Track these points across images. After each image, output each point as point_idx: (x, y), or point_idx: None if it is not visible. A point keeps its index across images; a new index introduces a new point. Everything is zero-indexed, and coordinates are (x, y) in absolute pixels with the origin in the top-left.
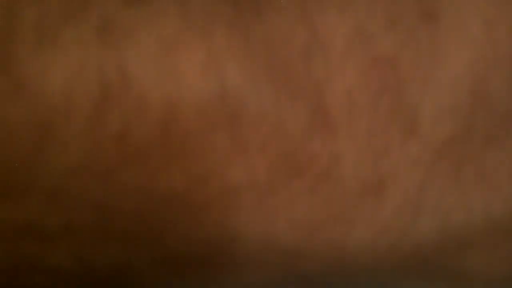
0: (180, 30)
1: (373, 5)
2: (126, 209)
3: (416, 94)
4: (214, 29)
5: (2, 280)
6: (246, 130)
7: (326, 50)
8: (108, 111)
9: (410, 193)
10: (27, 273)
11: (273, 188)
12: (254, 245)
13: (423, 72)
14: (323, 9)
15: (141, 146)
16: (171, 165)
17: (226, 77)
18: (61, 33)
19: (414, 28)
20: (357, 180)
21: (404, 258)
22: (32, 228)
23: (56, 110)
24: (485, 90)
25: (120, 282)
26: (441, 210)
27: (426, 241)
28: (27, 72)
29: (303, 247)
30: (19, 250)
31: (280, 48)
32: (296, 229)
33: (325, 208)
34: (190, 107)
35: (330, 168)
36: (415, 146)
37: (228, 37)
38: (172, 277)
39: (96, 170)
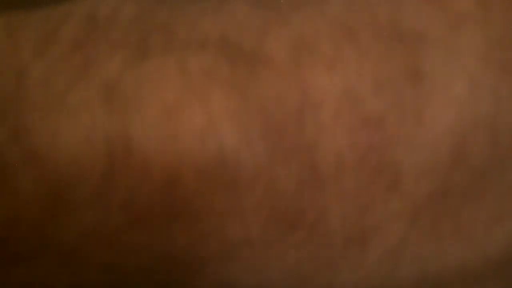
0: (180, 93)
1: (362, 65)
2: (132, 267)
3: (399, 152)
4: (211, 90)
5: None
6: (242, 191)
7: (317, 110)
8: (114, 178)
9: (391, 244)
10: None
11: (267, 243)
12: None
13: (407, 132)
14: (315, 68)
15: (145, 208)
16: (173, 225)
17: (224, 140)
18: (68, 96)
19: (400, 89)
20: (343, 233)
21: None
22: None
23: (65, 178)
24: (464, 148)
25: None
26: (419, 259)
27: (405, 287)
28: (37, 140)
29: None
30: None
31: (274, 107)
32: (287, 278)
33: (314, 258)
34: (190, 171)
35: (318, 222)
36: (397, 202)
37: (225, 97)
38: None
39: (104, 233)
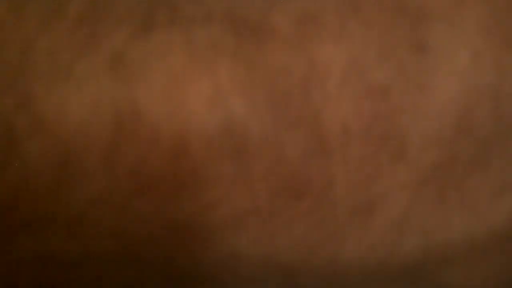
0: (187, 64)
1: (367, 36)
2: (141, 235)
3: (405, 122)
4: (218, 61)
5: None
6: (249, 159)
7: (323, 80)
8: (122, 144)
9: (396, 214)
10: None
11: (274, 212)
12: (257, 263)
13: (412, 102)
14: (321, 40)
15: (153, 176)
16: (181, 193)
17: (231, 109)
18: (74, 66)
19: (405, 60)
20: (348, 202)
21: (390, 273)
22: (53, 256)
23: (73, 145)
24: (469, 119)
25: None
26: (425, 230)
27: (411, 259)
28: (44, 108)
29: (300, 263)
30: (42, 276)
31: (280, 78)
32: (294, 247)
33: (320, 228)
34: (198, 139)
35: (325, 191)
36: (403, 171)
37: (232, 68)
38: None
39: (113, 200)
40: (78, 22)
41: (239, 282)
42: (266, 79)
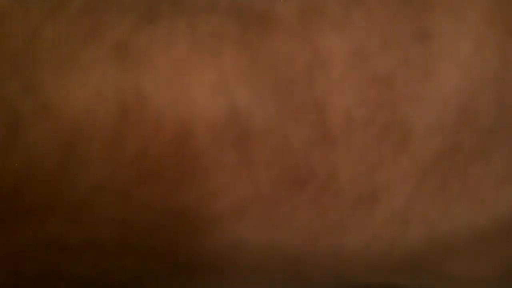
0: (191, 52)
1: (370, 25)
2: (143, 222)
3: (408, 111)
4: (222, 49)
5: (29, 287)
6: (252, 147)
7: (326, 69)
8: (127, 131)
9: (400, 204)
10: (52, 281)
11: (277, 201)
12: (259, 252)
13: (415, 90)
14: (324, 29)
15: (156, 163)
16: (184, 181)
17: (234, 96)
18: (79, 55)
19: (408, 48)
20: (352, 192)
21: (393, 263)
22: (57, 242)
23: (78, 131)
24: (472, 107)
25: None
26: (428, 220)
27: (414, 248)
28: (49, 94)
29: (303, 253)
30: (45, 262)
31: (284, 67)
32: (297, 237)
33: (323, 218)
34: (202, 126)
35: (328, 180)
36: (406, 160)
37: (236, 56)
38: (184, 282)
39: (116, 188)
40: (82, 12)
41: (241, 270)
42: (270, 68)
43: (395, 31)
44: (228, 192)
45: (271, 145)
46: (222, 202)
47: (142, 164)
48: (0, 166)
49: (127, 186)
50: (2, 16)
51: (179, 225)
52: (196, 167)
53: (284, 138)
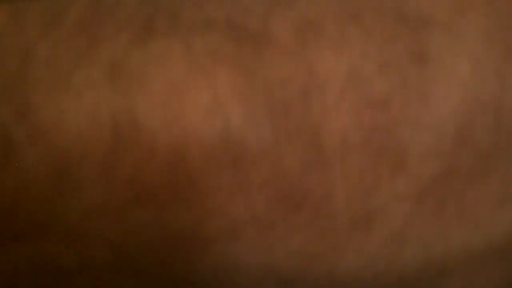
0: (186, 72)
1: (367, 45)
2: (138, 244)
3: (404, 133)
4: (217, 69)
5: None
6: (247, 170)
7: (322, 90)
8: (120, 154)
9: (396, 226)
10: None
11: (272, 223)
12: (254, 273)
13: (412, 113)
14: (320, 49)
15: (151, 186)
16: (179, 203)
17: (229, 119)
18: (73, 75)
19: (405, 69)
20: (348, 214)
21: (389, 284)
22: (51, 264)
23: (71, 155)
24: (469, 130)
25: None
26: (424, 242)
27: (410, 270)
28: (42, 117)
29: (298, 274)
30: (39, 283)
31: (279, 88)
32: (292, 258)
33: (318, 240)
34: (196, 149)
35: (324, 202)
36: (402, 183)
37: (231, 77)
38: None
39: (110, 210)
40: (78, 30)
41: None
42: (265, 88)
43: (392, 52)
44: (223, 213)
45: (266, 167)
46: (217, 223)
47: (136, 186)
48: None
49: (121, 208)
50: None
51: (174, 247)
52: (191, 189)
53: (279, 160)
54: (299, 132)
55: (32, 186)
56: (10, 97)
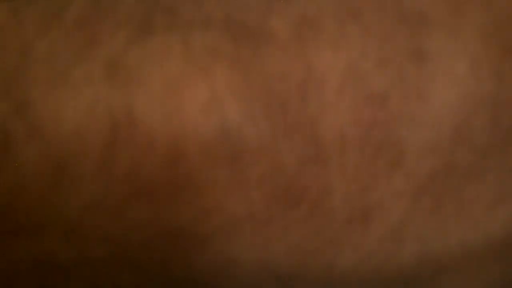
0: (183, 69)
1: (366, 43)
2: (136, 241)
3: (402, 130)
4: (215, 67)
5: None
6: (245, 166)
7: (320, 87)
8: (118, 150)
9: (393, 223)
10: None
11: (269, 219)
12: (252, 269)
13: (410, 110)
14: (319, 45)
15: (148, 182)
16: (176, 199)
17: (227, 115)
18: (72, 72)
19: (403, 66)
20: (345, 210)
21: (386, 281)
22: (49, 260)
23: (69, 151)
24: (466, 127)
25: None
26: (421, 238)
27: (407, 266)
28: (40, 113)
29: (296, 270)
30: (37, 279)
31: (277, 84)
32: (290, 254)
33: (316, 236)
34: (194, 145)
35: (321, 199)
36: (400, 179)
37: (229, 74)
38: None
39: (108, 206)
40: (76, 27)
41: None
42: (263, 85)
43: (390, 49)
44: (221, 210)
45: (263, 163)
46: (215, 220)
47: (134, 182)
48: None
49: (119, 204)
50: None
51: (171, 243)
52: (189, 185)
53: (277, 156)
54: (297, 128)
55: (30, 182)
56: (8, 93)
